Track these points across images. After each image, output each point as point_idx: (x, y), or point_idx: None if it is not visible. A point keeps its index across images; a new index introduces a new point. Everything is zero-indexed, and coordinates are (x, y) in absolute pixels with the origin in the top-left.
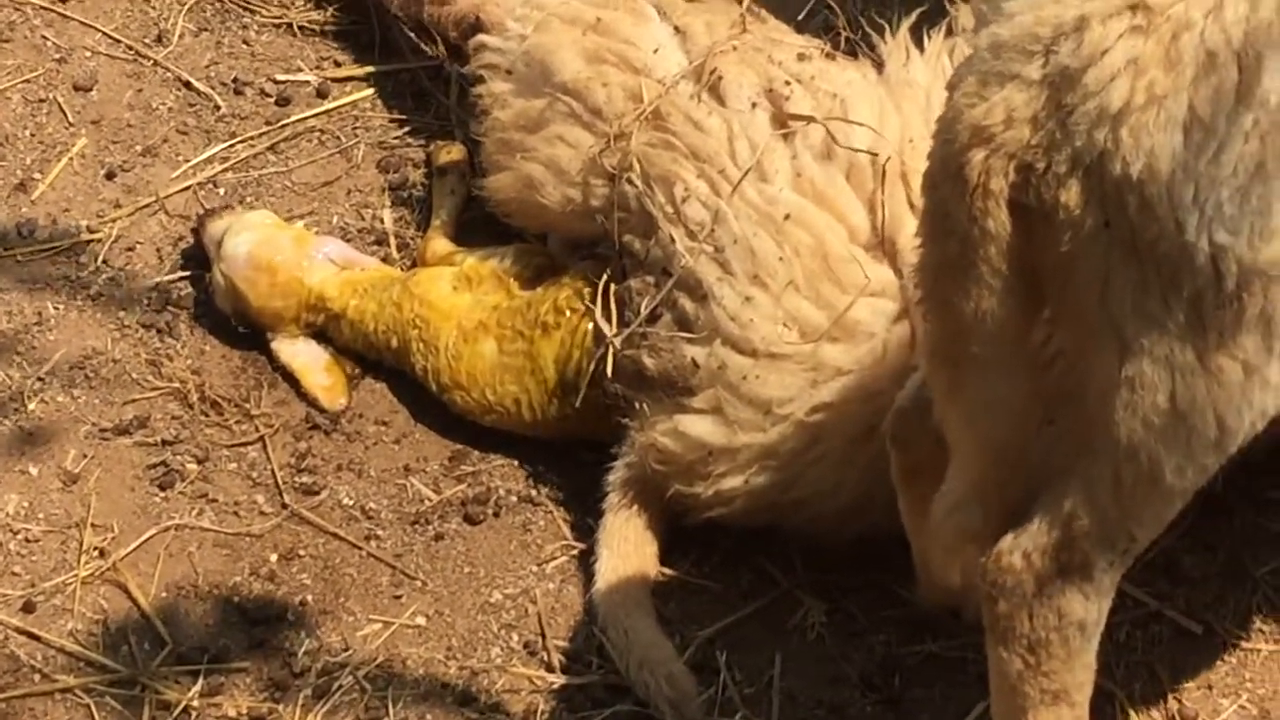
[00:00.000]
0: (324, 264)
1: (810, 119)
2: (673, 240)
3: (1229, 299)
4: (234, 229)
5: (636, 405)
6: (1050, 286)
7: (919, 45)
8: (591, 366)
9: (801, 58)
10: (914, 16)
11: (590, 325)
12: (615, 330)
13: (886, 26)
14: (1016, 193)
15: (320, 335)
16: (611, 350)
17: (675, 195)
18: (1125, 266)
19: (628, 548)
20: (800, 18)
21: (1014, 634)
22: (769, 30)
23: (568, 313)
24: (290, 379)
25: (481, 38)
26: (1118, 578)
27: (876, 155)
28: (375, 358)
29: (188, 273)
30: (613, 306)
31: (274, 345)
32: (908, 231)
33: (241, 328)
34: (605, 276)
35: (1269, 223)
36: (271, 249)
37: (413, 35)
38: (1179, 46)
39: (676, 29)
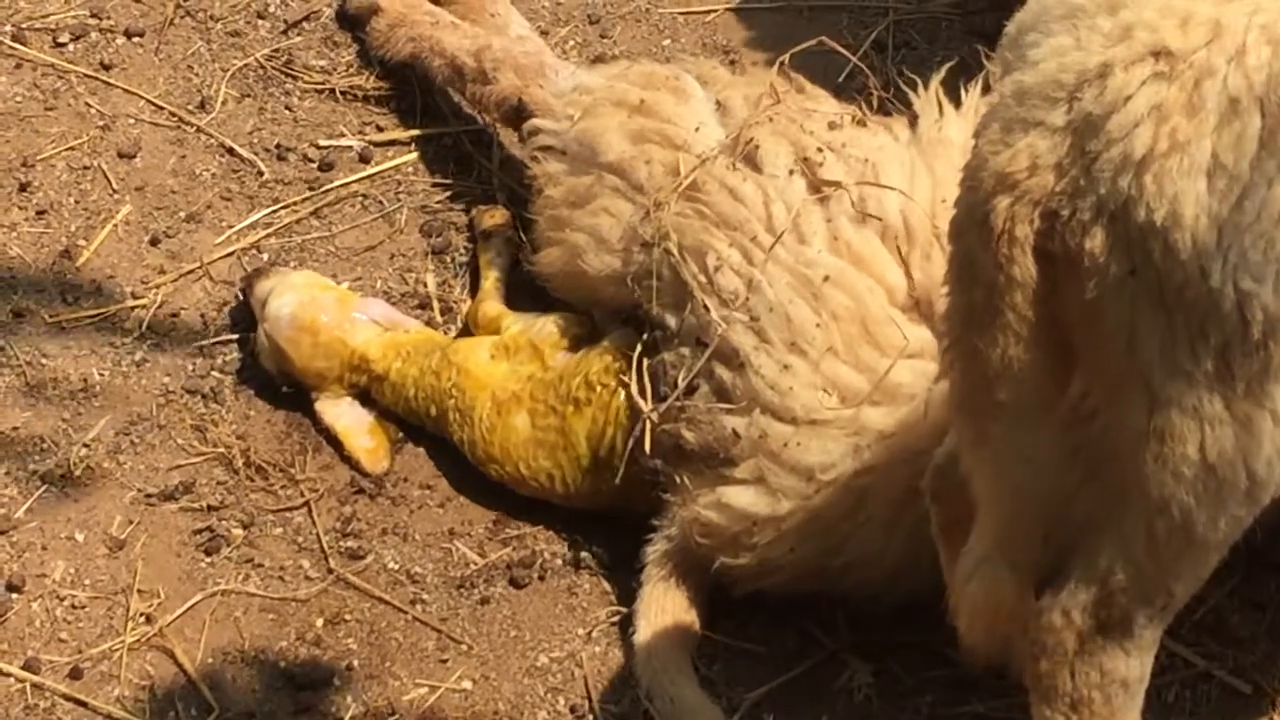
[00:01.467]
0: (367, 325)
1: (837, 185)
2: (707, 310)
3: (1256, 347)
4: (278, 290)
5: (676, 479)
6: (1078, 335)
7: (956, 100)
8: (628, 442)
9: (833, 126)
10: (943, 72)
11: (622, 401)
12: (651, 405)
13: (919, 83)
14: (1042, 240)
15: (364, 397)
16: (649, 425)
17: (708, 265)
18: (1152, 314)
19: (666, 619)
20: (840, 79)
21: (1057, 692)
22: (803, 100)
23: (599, 388)
24: (334, 441)
25: (535, 121)
26: (1159, 633)
27: (908, 217)
28: (417, 423)
29: (232, 338)
30: (646, 381)
31: (318, 406)
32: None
33: (286, 388)
34: (638, 350)
35: None
36: (315, 309)
37: (456, 100)
38: (1202, 93)
39: (718, 103)
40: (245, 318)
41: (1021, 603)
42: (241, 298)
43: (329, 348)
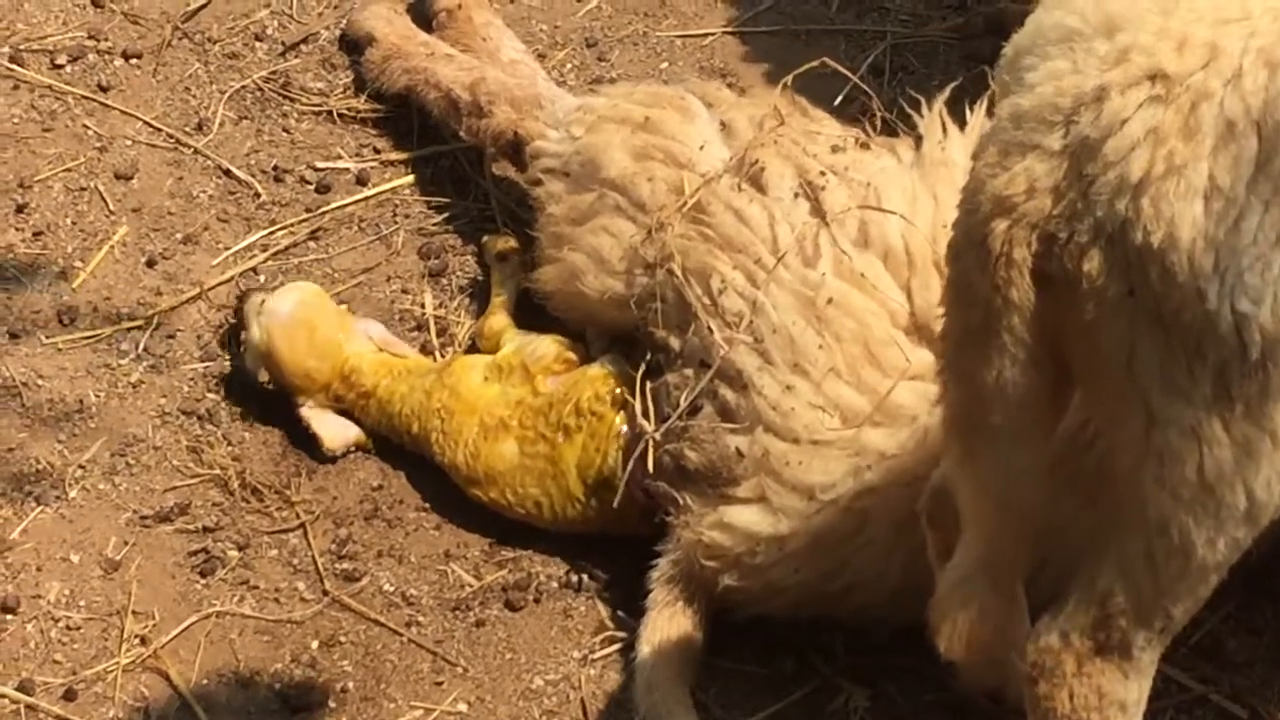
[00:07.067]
0: (365, 339)
1: (830, 212)
2: (711, 331)
3: (1254, 368)
4: (282, 290)
5: (680, 501)
6: (1076, 357)
7: (960, 122)
8: (628, 464)
9: (835, 149)
10: (947, 92)
11: (612, 427)
12: (654, 426)
13: (922, 102)
14: (1040, 262)
15: (345, 414)
16: (651, 445)
17: (712, 287)
18: (1150, 336)
19: (669, 646)
20: (837, 103)
21: (1055, 714)
22: (807, 122)
23: (589, 416)
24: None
25: (538, 144)
26: (1157, 656)
27: (909, 241)
28: (398, 441)
29: (228, 359)
30: (650, 401)
31: (303, 411)
32: None
33: (267, 386)
34: (641, 370)
35: None
36: (316, 310)
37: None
38: (1198, 116)
39: (722, 124)
40: (240, 324)
41: (1005, 622)
42: (237, 303)
43: (324, 348)
